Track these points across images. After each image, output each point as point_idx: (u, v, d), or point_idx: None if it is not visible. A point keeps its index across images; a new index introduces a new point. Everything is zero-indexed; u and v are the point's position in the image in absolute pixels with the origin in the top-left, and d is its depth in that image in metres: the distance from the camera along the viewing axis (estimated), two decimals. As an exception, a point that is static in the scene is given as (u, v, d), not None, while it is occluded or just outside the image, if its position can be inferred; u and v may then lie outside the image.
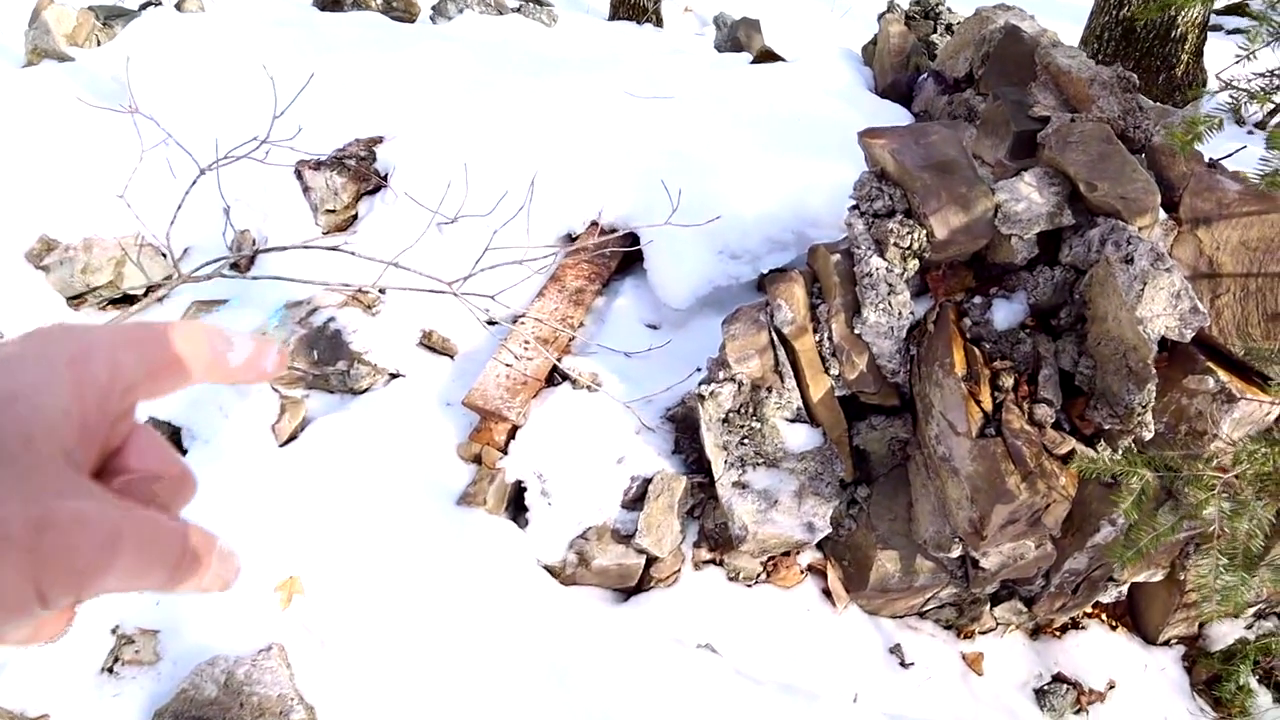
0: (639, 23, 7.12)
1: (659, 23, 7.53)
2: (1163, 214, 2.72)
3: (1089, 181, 2.63)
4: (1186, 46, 5.41)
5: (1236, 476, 2.20)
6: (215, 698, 2.52)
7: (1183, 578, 3.18)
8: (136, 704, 2.55)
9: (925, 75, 4.48)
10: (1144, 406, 2.48)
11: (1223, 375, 2.58)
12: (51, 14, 5.01)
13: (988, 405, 2.68)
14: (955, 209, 2.72)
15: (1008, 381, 2.70)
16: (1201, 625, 3.39)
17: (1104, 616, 3.46)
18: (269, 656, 2.67)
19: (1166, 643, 3.41)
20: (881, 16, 5.25)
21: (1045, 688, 3.22)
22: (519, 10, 5.87)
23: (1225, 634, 3.35)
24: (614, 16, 7.44)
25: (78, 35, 5.14)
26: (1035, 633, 3.40)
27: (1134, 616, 3.48)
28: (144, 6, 5.36)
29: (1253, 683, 3.28)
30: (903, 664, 3.18)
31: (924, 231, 2.76)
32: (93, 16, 5.24)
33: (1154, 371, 2.44)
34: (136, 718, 2.52)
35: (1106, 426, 2.61)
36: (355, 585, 2.88)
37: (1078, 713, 3.20)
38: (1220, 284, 2.67)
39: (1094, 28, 5.69)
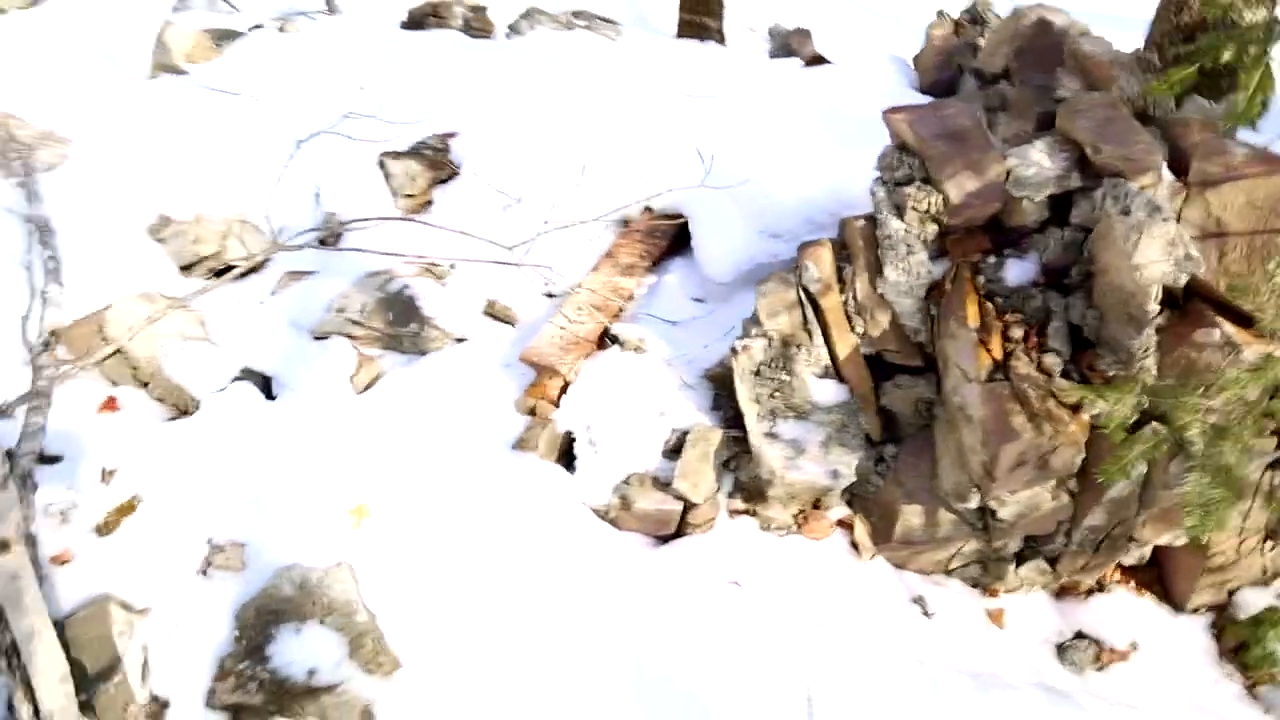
0: (702, 40, 7.43)
1: (722, 40, 7.85)
2: (1172, 177, 2.87)
3: (1094, 144, 2.81)
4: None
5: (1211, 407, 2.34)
6: (291, 595, 2.86)
7: (1205, 540, 3.25)
8: (226, 601, 2.91)
9: (966, 73, 4.67)
10: (1144, 350, 2.63)
11: (1229, 328, 2.72)
12: (172, 35, 5.66)
13: (998, 354, 2.87)
14: (969, 174, 2.93)
15: (1017, 333, 2.88)
16: (1231, 593, 3.43)
17: (1132, 582, 3.53)
18: (340, 569, 3.00)
19: (1195, 610, 3.46)
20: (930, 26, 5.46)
21: (1066, 644, 3.31)
22: (588, 27, 6.28)
23: (1254, 602, 3.39)
24: (680, 36, 7.79)
25: (195, 54, 5.76)
26: (1060, 594, 3.50)
27: (1162, 584, 3.54)
28: (253, 29, 5.95)
29: (1280, 649, 3.31)
30: (925, 614, 3.33)
31: (940, 196, 2.98)
32: (208, 38, 5.87)
33: (1151, 315, 2.60)
34: (225, 611, 2.88)
35: (1112, 373, 2.76)
36: (418, 514, 3.20)
37: (1099, 670, 3.28)
38: (1227, 242, 2.81)
39: (1153, 35, 5.74)
